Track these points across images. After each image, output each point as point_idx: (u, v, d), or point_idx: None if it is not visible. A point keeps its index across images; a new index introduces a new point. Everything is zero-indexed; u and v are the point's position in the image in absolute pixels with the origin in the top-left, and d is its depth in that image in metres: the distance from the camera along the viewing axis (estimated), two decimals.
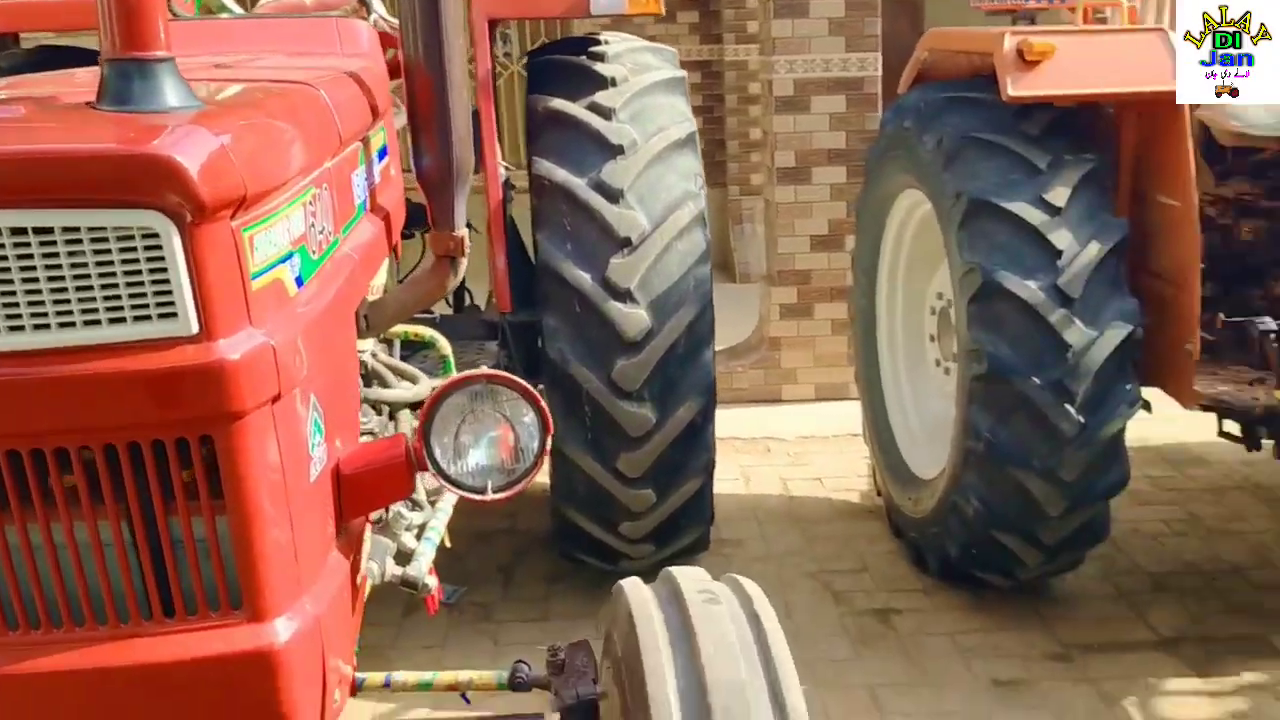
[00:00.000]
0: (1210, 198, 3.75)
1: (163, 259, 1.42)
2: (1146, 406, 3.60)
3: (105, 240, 1.40)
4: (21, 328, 1.41)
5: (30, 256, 1.39)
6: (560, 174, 3.50)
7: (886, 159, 4.13)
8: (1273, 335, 3.28)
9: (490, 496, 1.90)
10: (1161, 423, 3.88)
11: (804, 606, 3.98)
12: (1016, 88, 3.34)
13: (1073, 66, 3.33)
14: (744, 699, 1.77)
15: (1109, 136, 3.61)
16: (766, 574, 4.05)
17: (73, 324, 1.42)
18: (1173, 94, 3.29)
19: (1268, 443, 3.53)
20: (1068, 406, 3.33)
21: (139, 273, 1.42)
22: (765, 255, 5.96)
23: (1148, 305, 3.42)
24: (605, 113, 3.59)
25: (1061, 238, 3.32)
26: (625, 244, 3.46)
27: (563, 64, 3.80)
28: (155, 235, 1.41)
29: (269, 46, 2.76)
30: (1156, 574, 4.14)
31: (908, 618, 3.92)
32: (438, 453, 1.86)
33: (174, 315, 1.45)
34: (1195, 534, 4.45)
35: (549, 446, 1.90)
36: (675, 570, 2.07)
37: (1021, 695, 3.45)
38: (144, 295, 1.43)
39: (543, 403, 1.88)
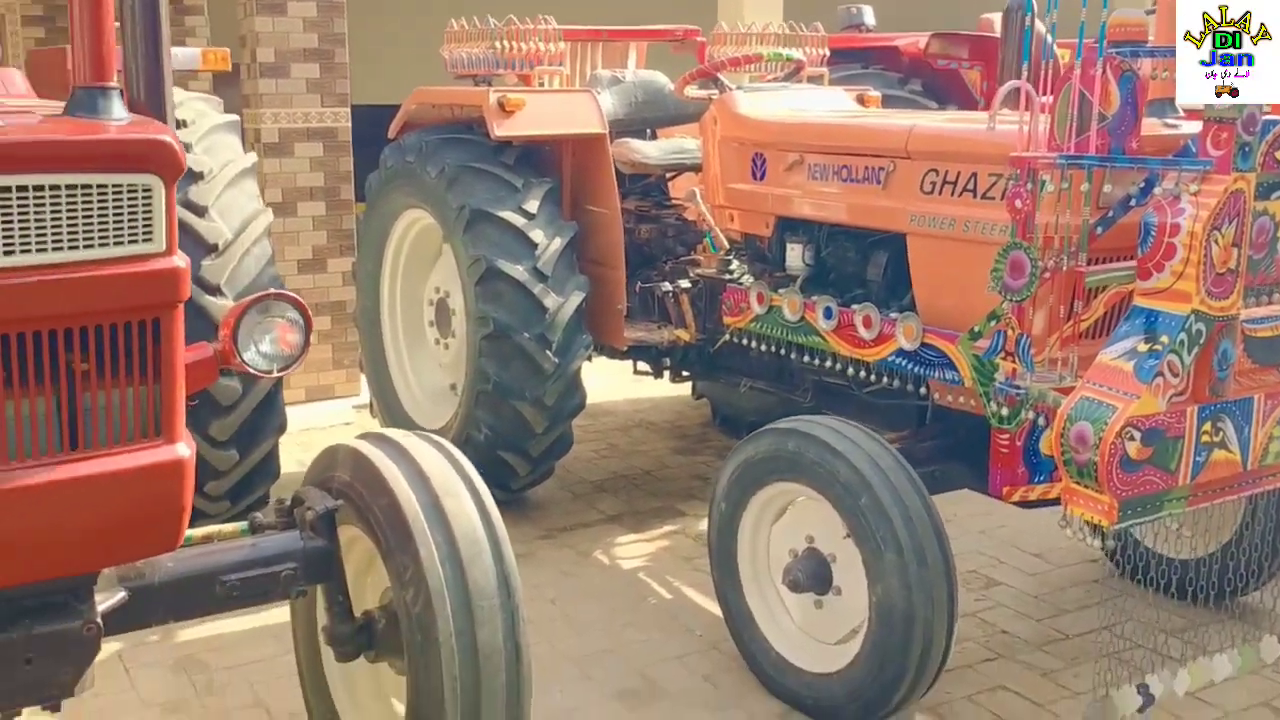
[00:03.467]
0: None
1: (150, 204, 2.32)
2: (589, 357, 5.18)
3: (120, 193, 2.28)
4: (60, 247, 2.24)
5: (75, 203, 2.23)
6: None
7: (389, 187, 5.36)
8: (670, 295, 5.02)
9: (276, 374, 2.89)
10: None
11: None
12: (501, 130, 4.78)
13: (536, 115, 4.84)
14: (447, 480, 2.93)
15: (555, 164, 5.16)
16: None
17: (101, 243, 2.27)
18: (601, 135, 4.94)
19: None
20: (548, 352, 4.78)
21: (136, 212, 2.31)
22: None
23: (592, 282, 4.99)
24: (184, 146, 4.45)
25: (536, 235, 4.78)
26: (213, 249, 4.36)
27: None
28: (150, 189, 2.31)
29: None
30: (596, 481, 5.78)
31: None
32: (242, 348, 2.81)
33: (151, 239, 2.35)
34: (615, 456, 6.18)
35: (310, 339, 2.91)
36: (370, 432, 3.18)
37: (528, 562, 4.83)
38: (135, 227, 2.32)
39: (306, 308, 2.89)
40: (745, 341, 4.58)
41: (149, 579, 2.74)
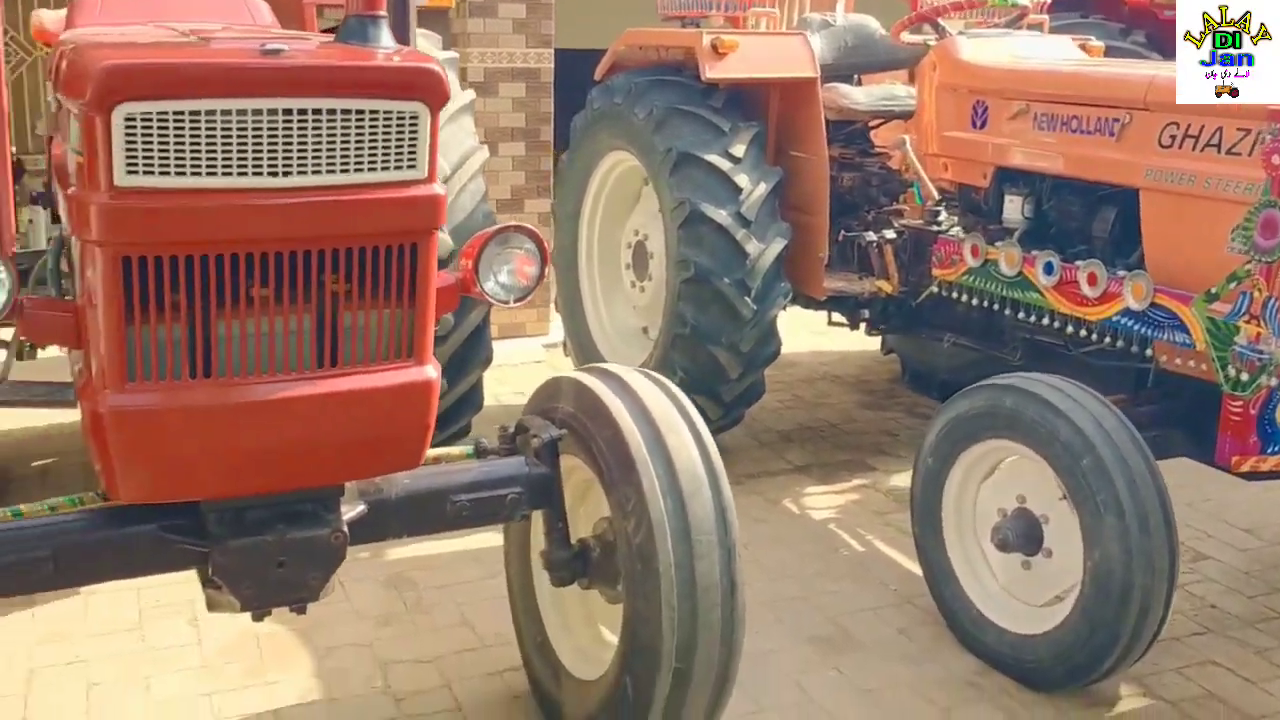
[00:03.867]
0: None
1: (416, 131, 2.41)
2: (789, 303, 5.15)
3: (390, 119, 2.37)
4: (333, 170, 2.35)
5: (349, 127, 2.33)
6: None
7: (595, 128, 5.41)
8: (874, 245, 4.95)
9: (512, 305, 2.97)
10: None
11: None
12: (712, 72, 4.77)
13: (748, 57, 4.80)
14: (668, 416, 2.97)
15: (761, 108, 5.12)
16: None
17: (370, 168, 2.37)
18: (812, 80, 4.87)
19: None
20: (746, 298, 4.77)
21: (404, 138, 2.40)
22: None
23: (793, 230, 4.95)
24: None
25: (742, 180, 4.76)
26: None
27: None
28: (417, 117, 2.40)
29: (211, 14, 3.54)
30: (783, 431, 5.77)
31: None
32: (482, 278, 2.89)
33: (415, 166, 2.43)
34: (801, 407, 6.16)
35: (546, 272, 2.98)
36: (593, 366, 3.24)
37: None
38: (401, 153, 2.41)
39: (545, 242, 2.95)
40: (953, 295, 4.49)
41: (386, 494, 2.86)
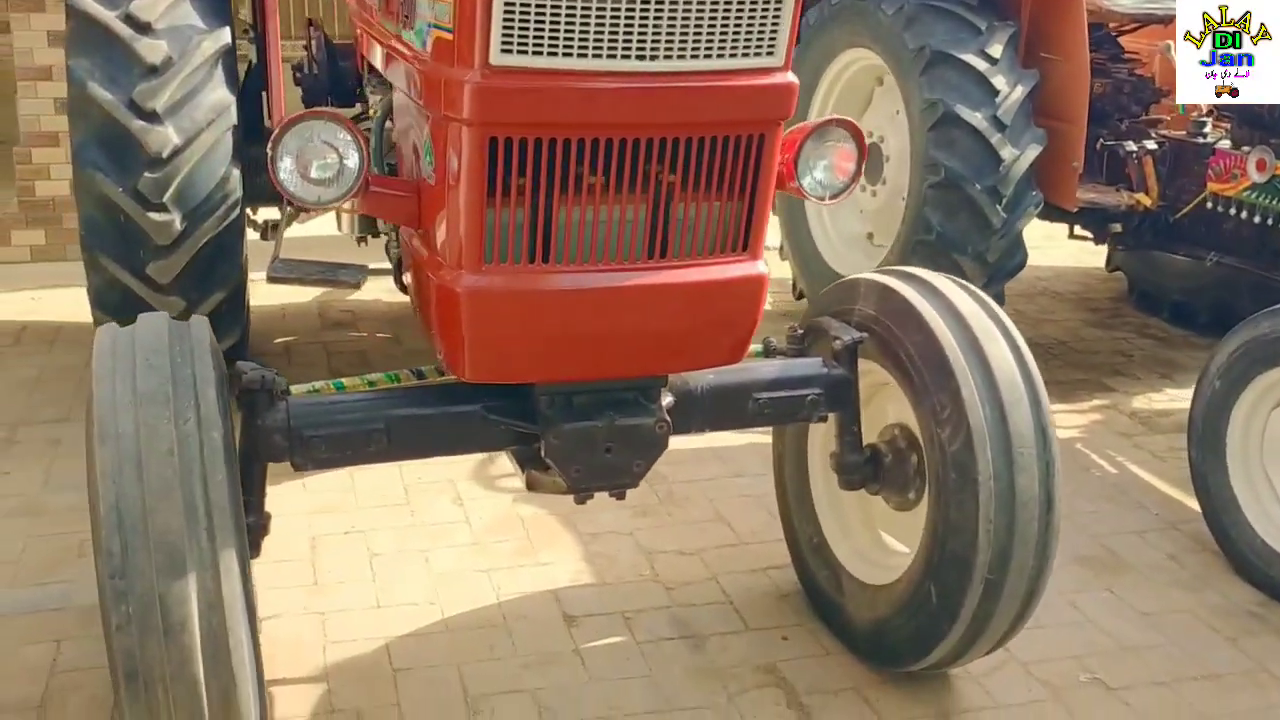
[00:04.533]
0: None
1: (780, 16, 2.33)
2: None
3: (756, 3, 2.27)
4: (697, 55, 2.28)
5: (715, 11, 2.24)
6: None
7: (831, 25, 5.24)
8: (1134, 156, 4.72)
9: (827, 202, 2.90)
10: None
11: None
12: None
13: None
14: (983, 323, 2.89)
15: (1014, 7, 4.88)
16: None
17: (731, 54, 2.30)
18: None
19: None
20: (997, 206, 4.60)
21: (765, 23, 2.32)
22: None
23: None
24: None
25: (999, 81, 4.56)
26: None
27: None
28: (781, 1, 2.32)
29: None
30: None
31: None
32: (800, 173, 2.81)
33: (773, 53, 2.36)
34: (1025, 323, 5.92)
35: (863, 169, 2.89)
36: (891, 269, 3.16)
37: None
38: (761, 39, 2.34)
39: (865, 137, 2.86)
40: (1228, 211, 4.26)
41: (693, 388, 2.84)
